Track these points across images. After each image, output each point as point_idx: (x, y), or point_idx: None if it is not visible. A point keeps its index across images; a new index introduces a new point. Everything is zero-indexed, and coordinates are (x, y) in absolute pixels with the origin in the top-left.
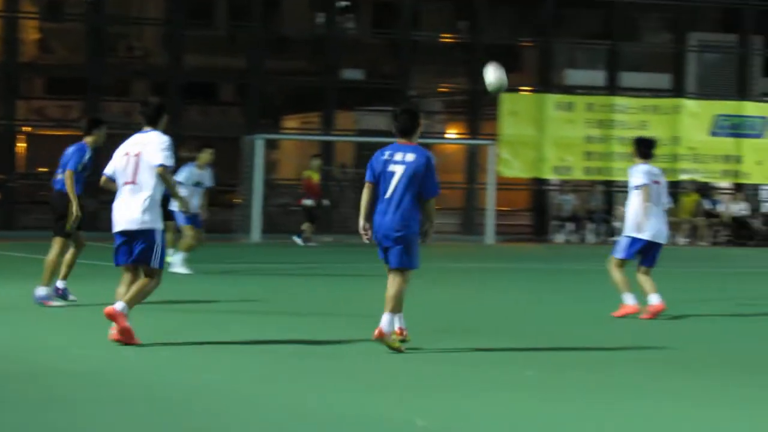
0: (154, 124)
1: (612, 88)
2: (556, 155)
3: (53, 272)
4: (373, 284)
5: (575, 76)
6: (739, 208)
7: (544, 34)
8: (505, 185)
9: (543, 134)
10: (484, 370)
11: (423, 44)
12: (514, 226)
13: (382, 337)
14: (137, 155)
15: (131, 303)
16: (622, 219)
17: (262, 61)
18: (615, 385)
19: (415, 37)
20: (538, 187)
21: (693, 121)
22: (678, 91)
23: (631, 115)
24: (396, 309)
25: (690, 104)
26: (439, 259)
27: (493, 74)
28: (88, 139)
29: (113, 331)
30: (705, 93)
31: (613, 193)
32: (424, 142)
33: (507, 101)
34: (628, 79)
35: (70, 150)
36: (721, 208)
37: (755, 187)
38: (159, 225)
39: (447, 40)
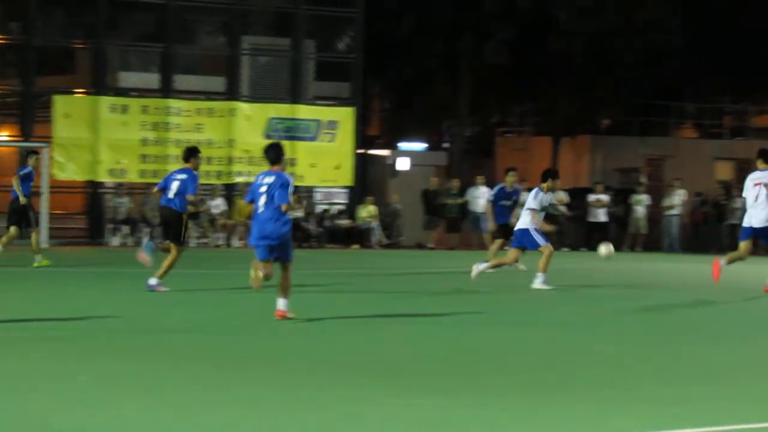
0: None
1: (167, 90)
2: (111, 158)
3: (168, 270)
4: None
5: (129, 79)
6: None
7: (97, 35)
8: (59, 188)
9: (97, 137)
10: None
11: None
12: (69, 229)
13: None
14: None
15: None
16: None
17: None
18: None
19: None
20: (93, 190)
21: (248, 123)
22: (232, 94)
23: (187, 118)
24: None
25: (244, 107)
26: None
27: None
28: (190, 165)
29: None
30: (259, 96)
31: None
32: None
33: (60, 103)
34: (182, 81)
35: (184, 177)
36: None
37: (309, 190)
38: None
39: None
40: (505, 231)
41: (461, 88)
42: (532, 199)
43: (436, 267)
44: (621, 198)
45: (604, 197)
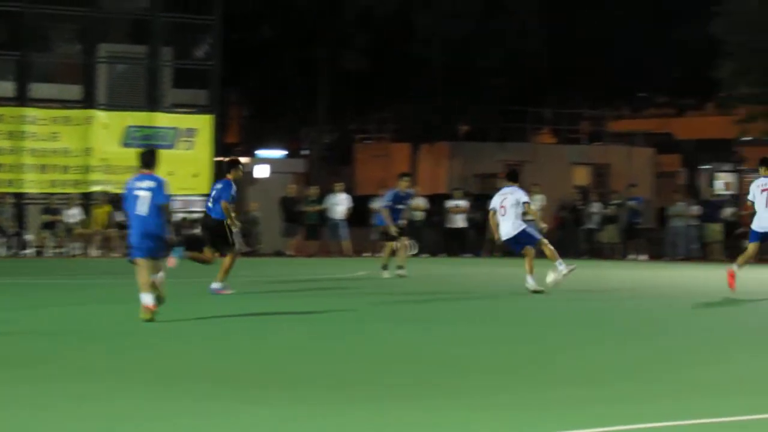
0: None
1: (22, 99)
2: None
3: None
4: None
5: None
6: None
7: None
8: None
9: None
10: None
11: None
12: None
13: None
14: None
15: None
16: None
17: None
18: None
19: None
20: None
21: (105, 132)
22: (89, 102)
23: (43, 127)
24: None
25: (101, 115)
26: None
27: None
28: (230, 176)
29: None
30: (116, 104)
31: (23, 205)
32: None
33: None
34: (38, 90)
35: (220, 186)
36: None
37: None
38: None
39: None
40: (401, 232)
41: (319, 95)
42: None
43: (296, 275)
44: (480, 204)
45: (463, 203)
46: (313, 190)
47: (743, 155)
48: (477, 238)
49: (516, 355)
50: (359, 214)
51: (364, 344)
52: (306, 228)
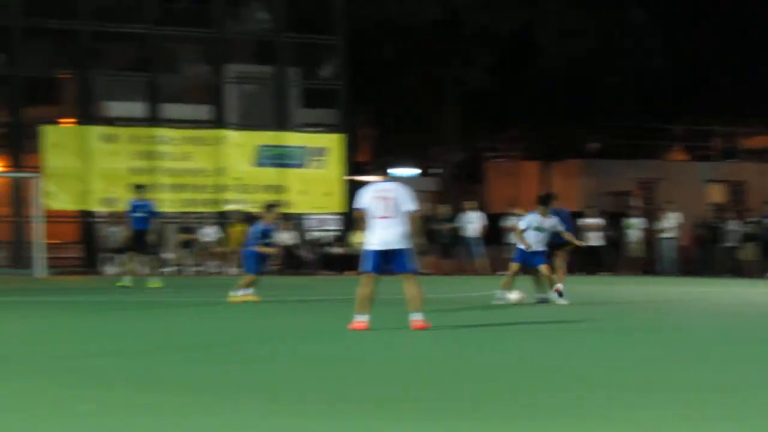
0: None
1: (153, 119)
2: (103, 187)
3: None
4: None
5: (116, 108)
6: (288, 237)
7: (81, 65)
8: (53, 218)
9: (88, 166)
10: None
11: None
12: (64, 258)
13: None
14: None
15: None
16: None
17: None
18: None
19: None
20: (86, 219)
21: (236, 151)
22: (219, 122)
23: (176, 147)
24: None
25: (233, 135)
26: None
27: None
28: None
29: None
30: (246, 124)
31: (161, 224)
32: None
33: (48, 133)
34: (169, 110)
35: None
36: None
37: (299, 217)
38: None
39: None
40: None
41: (447, 114)
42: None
43: (433, 292)
44: (613, 222)
45: (597, 221)
46: (445, 209)
47: None
48: (613, 256)
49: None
50: (492, 232)
51: (508, 360)
52: (440, 246)
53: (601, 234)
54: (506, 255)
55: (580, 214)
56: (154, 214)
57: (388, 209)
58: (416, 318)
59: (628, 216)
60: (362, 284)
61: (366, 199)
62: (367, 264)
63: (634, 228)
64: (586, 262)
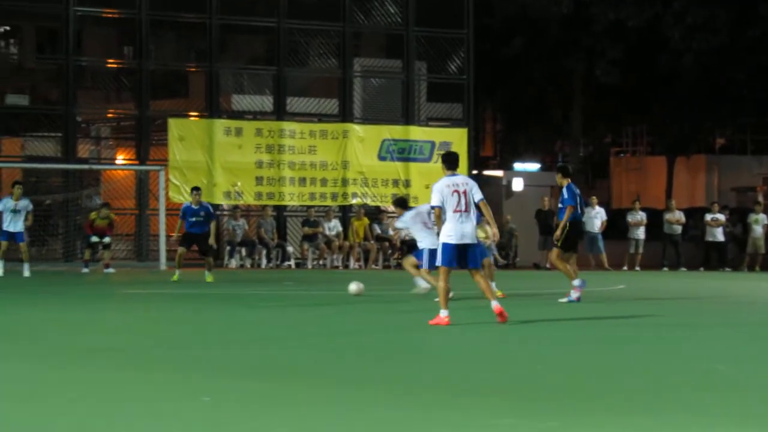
0: None
1: (280, 113)
2: (227, 180)
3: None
4: None
5: (242, 101)
6: (409, 232)
7: (209, 59)
8: (176, 211)
9: (213, 159)
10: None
11: (88, 69)
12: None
13: None
14: None
15: None
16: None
17: None
18: None
19: (80, 63)
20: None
21: (361, 145)
22: (345, 115)
23: (301, 140)
24: None
25: (357, 129)
26: (114, 285)
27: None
28: None
29: None
30: (372, 118)
31: (283, 217)
32: (94, 167)
33: (174, 126)
34: (295, 104)
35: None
36: (392, 232)
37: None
38: None
39: (112, 65)
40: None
41: (573, 108)
42: None
43: (554, 287)
44: (738, 218)
45: (721, 217)
46: None
47: None
48: (736, 252)
49: None
50: (616, 227)
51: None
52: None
53: (725, 230)
54: (631, 251)
55: (704, 210)
56: (211, 216)
57: (462, 203)
58: (496, 304)
59: (752, 212)
60: (442, 278)
61: (441, 194)
62: (444, 258)
63: (759, 224)
64: (709, 257)
